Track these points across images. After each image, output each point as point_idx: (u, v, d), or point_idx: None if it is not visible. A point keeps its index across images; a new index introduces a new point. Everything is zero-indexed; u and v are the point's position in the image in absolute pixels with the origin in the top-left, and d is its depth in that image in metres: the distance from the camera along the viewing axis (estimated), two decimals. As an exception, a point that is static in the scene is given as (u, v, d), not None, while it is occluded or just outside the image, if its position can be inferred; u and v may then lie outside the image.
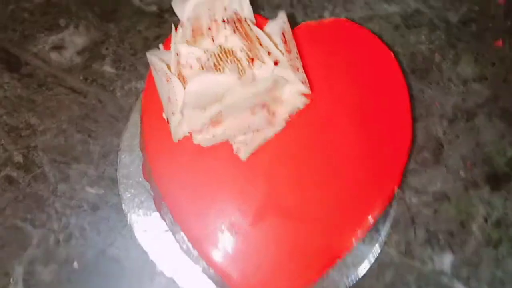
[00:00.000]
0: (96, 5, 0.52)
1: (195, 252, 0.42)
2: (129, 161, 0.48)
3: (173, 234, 0.44)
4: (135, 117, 0.50)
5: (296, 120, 0.41)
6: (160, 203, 0.46)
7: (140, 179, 0.48)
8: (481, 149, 0.52)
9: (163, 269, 0.46)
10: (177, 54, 0.38)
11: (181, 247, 0.44)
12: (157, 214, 0.47)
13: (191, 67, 0.39)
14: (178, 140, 0.40)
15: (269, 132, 0.39)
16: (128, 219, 0.47)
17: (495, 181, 0.51)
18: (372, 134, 0.42)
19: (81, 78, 0.50)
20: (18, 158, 0.48)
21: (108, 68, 0.50)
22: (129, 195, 0.48)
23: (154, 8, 0.53)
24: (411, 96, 0.48)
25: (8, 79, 0.49)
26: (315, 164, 0.41)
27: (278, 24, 0.38)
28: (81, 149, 0.48)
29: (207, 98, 0.37)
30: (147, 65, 0.48)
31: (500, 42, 0.56)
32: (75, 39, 0.51)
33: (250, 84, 0.35)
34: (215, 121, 0.39)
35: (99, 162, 0.48)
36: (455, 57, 0.54)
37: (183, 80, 0.37)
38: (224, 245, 0.39)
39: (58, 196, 0.47)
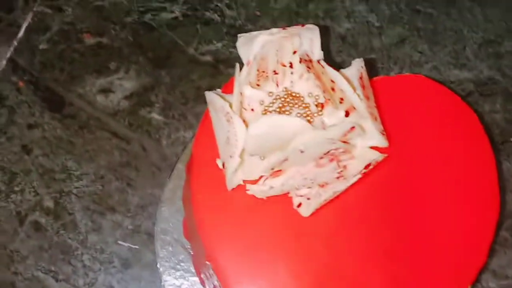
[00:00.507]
0: (149, 51, 0.50)
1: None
2: (169, 215, 0.44)
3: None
4: (179, 168, 0.46)
5: (368, 177, 0.36)
6: (201, 265, 0.41)
7: (180, 236, 0.43)
8: None
9: None
10: (241, 94, 0.34)
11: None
12: (196, 278, 0.42)
13: (253, 110, 0.35)
14: (231, 189, 0.35)
15: (338, 187, 0.34)
16: (163, 282, 0.42)
17: None
18: (455, 202, 0.36)
19: (126, 123, 0.47)
20: (49, 203, 0.44)
21: (155, 116, 0.47)
22: (165, 253, 0.43)
23: (209, 58, 0.50)
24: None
25: (48, 119, 0.46)
26: (386, 233, 0.36)
27: (355, 67, 0.35)
28: (117, 199, 0.44)
29: (270, 143, 0.32)
30: (198, 116, 0.45)
31: None
32: (124, 84, 0.48)
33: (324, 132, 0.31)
34: (275, 171, 0.35)
35: (136, 214, 0.44)
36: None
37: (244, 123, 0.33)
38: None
39: (87, 248, 0.43)
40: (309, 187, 0.35)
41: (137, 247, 0.43)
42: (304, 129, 0.32)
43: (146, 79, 0.49)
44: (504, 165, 0.48)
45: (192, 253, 0.43)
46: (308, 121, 0.34)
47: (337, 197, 0.36)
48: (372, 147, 0.35)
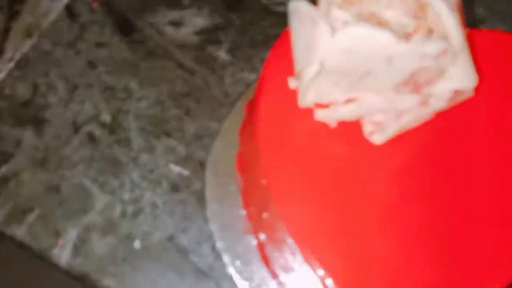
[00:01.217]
0: (223, -6, 0.50)
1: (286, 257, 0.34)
2: (224, 147, 0.43)
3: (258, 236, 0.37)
4: (240, 106, 0.45)
5: (444, 123, 0.34)
6: (252, 198, 0.39)
7: (232, 169, 0.42)
8: None
9: (234, 274, 0.38)
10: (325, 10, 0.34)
11: (266, 252, 0.37)
12: (243, 212, 0.41)
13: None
14: (303, 107, 0.34)
15: (417, 118, 0.32)
16: (208, 210, 0.40)
17: None
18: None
19: (192, 57, 0.47)
20: (106, 117, 0.43)
21: (222, 54, 0.47)
22: (215, 183, 0.42)
23: (282, 8, 0.50)
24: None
25: (117, 41, 0.47)
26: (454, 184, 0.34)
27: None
28: (174, 125, 0.44)
29: (354, 56, 0.31)
30: (263, 60, 0.44)
31: None
32: (196, 20, 0.49)
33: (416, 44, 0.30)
34: (349, 98, 0.34)
35: (191, 142, 0.43)
36: None
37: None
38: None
39: (137, 166, 0.42)
40: (385, 114, 0.33)
41: (187, 173, 0.42)
42: (395, 42, 0.31)
43: (217, 19, 0.50)
44: None
45: (243, 186, 0.42)
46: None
47: (412, 133, 0.34)
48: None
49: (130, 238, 0.41)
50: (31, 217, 0.40)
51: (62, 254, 0.40)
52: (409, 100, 0.33)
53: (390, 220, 0.33)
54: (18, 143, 0.43)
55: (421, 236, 0.33)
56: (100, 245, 0.40)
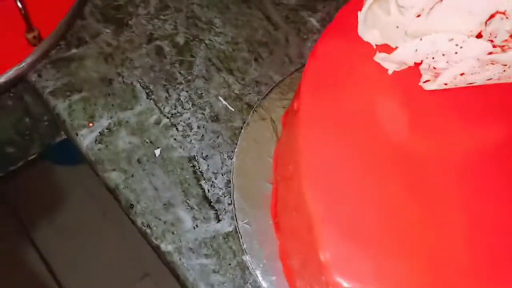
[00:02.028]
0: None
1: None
2: (278, 97, 0.42)
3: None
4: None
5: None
6: (284, 154, 0.37)
7: (277, 119, 0.40)
8: None
9: (238, 214, 0.35)
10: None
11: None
12: (270, 160, 0.38)
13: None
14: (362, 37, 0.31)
15: (479, 72, 0.28)
16: (238, 147, 0.39)
17: None
18: None
19: (283, 14, 0.47)
20: (180, 40, 0.45)
21: (313, 21, 0.47)
22: (254, 125, 0.40)
23: None
24: None
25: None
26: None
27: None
28: (240, 65, 0.44)
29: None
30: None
31: None
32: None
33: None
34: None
35: (248, 84, 0.43)
36: None
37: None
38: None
39: (189, 87, 0.43)
40: (447, 62, 0.29)
41: (232, 109, 0.41)
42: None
43: (316, -8, 0.49)
44: None
45: (280, 140, 0.39)
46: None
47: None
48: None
49: (153, 145, 0.40)
50: (76, 97, 0.42)
51: (87, 137, 0.40)
52: (479, 46, 0.28)
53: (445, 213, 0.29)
54: (96, 35, 0.45)
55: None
56: (124, 141, 0.40)
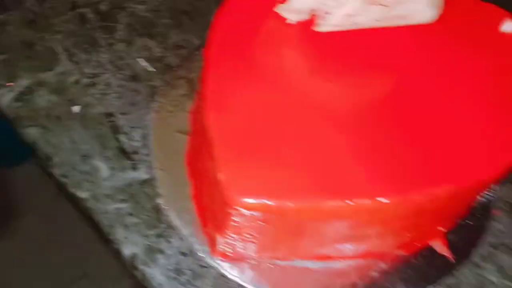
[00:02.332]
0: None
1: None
2: (196, 60, 0.43)
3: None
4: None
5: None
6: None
7: (195, 80, 0.42)
8: None
9: (154, 162, 0.37)
10: None
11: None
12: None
13: None
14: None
15: (361, 14, 0.31)
16: (155, 104, 0.40)
17: None
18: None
19: (205, -13, 0.48)
20: (103, 7, 0.46)
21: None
22: (170, 87, 0.41)
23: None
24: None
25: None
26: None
27: None
28: (161, 31, 0.47)
29: None
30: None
31: None
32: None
33: None
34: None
35: (169, 48, 0.45)
36: None
37: None
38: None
39: (111, 51, 0.45)
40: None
41: (153, 70, 0.43)
42: None
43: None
44: None
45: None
46: None
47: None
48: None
49: (72, 103, 0.41)
50: (-3, 58, 0.43)
51: (7, 96, 0.41)
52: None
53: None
54: (20, 2, 0.46)
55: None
56: (43, 99, 0.41)
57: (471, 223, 0.39)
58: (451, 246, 0.38)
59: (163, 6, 0.48)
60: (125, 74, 0.44)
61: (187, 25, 0.47)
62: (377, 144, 0.31)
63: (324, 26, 0.33)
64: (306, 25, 0.35)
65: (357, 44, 0.34)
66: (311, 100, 0.32)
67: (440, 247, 0.38)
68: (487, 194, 0.40)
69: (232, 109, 0.31)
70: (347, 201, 0.28)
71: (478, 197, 0.40)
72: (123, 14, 0.47)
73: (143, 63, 0.45)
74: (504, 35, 0.35)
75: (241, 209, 0.28)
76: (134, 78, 0.44)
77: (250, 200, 0.28)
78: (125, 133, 0.41)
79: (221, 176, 0.29)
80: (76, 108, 0.41)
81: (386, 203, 0.28)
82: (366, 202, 0.29)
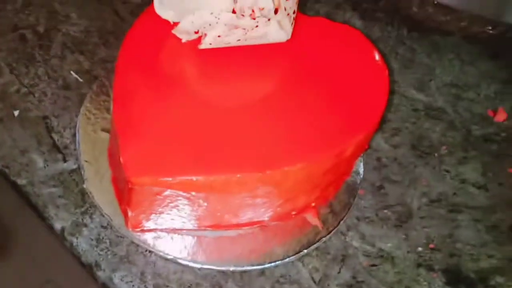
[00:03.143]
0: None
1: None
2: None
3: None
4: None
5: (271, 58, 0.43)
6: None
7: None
8: (452, 241, 0.47)
9: (81, 154, 0.46)
10: None
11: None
12: (108, 115, 0.49)
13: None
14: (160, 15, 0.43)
15: (230, 32, 0.41)
16: (82, 109, 0.49)
17: (454, 279, 0.45)
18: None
19: (128, 10, 0.59)
20: (41, 29, 0.55)
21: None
22: (96, 94, 0.50)
23: None
24: (401, 164, 0.52)
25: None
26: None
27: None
28: (90, 48, 0.55)
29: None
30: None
31: (515, 171, 0.54)
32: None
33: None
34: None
35: (96, 62, 0.53)
36: (462, 159, 0.54)
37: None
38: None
39: (46, 65, 0.53)
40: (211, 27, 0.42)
41: (82, 81, 0.52)
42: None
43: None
44: (418, 169, 0.52)
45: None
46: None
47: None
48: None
49: (12, 107, 0.49)
50: None
51: (-44, 102, 0.49)
52: (229, 16, 0.41)
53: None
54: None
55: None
56: (-13, 105, 0.49)
57: (341, 200, 0.50)
58: (323, 218, 0.48)
59: (93, 27, 0.57)
60: (59, 84, 0.52)
61: (112, 43, 0.57)
62: (249, 131, 0.41)
63: (204, 44, 0.43)
64: (195, 43, 0.45)
65: (231, 57, 0.44)
66: (200, 97, 0.42)
67: (312, 218, 0.48)
68: (354, 177, 0.51)
69: (135, 106, 0.40)
70: (218, 175, 0.38)
71: (347, 179, 0.50)
72: (58, 34, 0.56)
73: (74, 74, 0.53)
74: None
75: (136, 186, 0.38)
76: (66, 87, 0.52)
77: (143, 178, 0.38)
78: (58, 132, 0.49)
79: (121, 159, 0.38)
80: (16, 112, 0.50)
81: (248, 177, 0.38)
82: (233, 176, 0.38)
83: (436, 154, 0.54)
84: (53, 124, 0.49)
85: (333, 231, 0.47)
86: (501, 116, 0.59)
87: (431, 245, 0.48)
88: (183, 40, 0.45)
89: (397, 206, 0.50)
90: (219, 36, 0.42)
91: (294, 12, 0.44)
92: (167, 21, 0.45)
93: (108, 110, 0.50)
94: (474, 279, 0.46)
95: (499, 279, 0.47)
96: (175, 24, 0.45)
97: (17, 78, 0.52)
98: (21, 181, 0.46)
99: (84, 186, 0.45)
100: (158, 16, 0.45)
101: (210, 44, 0.43)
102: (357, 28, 0.49)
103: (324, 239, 0.47)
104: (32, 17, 0.57)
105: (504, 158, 0.55)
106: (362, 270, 0.46)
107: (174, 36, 0.45)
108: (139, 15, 0.46)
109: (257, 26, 0.42)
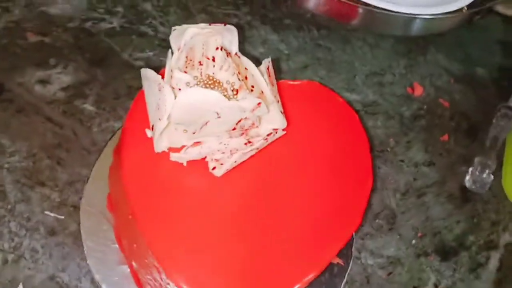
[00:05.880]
0: (87, 52, 0.56)
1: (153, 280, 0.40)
2: (95, 190, 0.48)
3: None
4: (107, 152, 0.50)
5: (267, 155, 0.43)
6: (122, 231, 0.45)
7: (104, 209, 0.47)
8: (430, 223, 0.55)
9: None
10: (171, 77, 0.41)
11: (139, 277, 0.42)
12: (116, 246, 0.46)
13: (180, 89, 0.42)
14: (158, 155, 0.41)
15: (245, 154, 0.41)
16: (85, 247, 0.45)
17: (444, 253, 0.53)
18: (336, 179, 0.45)
19: (60, 111, 0.51)
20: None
21: (89, 107, 0.52)
22: (89, 223, 0.47)
23: (141, 63, 0.57)
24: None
25: (-13, 101, 0.49)
26: (278, 201, 0.43)
27: (264, 63, 0.42)
28: (47, 175, 0.48)
29: (193, 112, 0.39)
30: (127, 110, 0.50)
31: (446, 137, 0.62)
32: (62, 77, 0.53)
33: (237, 101, 0.38)
34: (195, 141, 0.41)
35: (64, 189, 0.48)
36: (407, 144, 0.60)
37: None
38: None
39: (14, 216, 0.46)
40: (222, 153, 0.41)
41: (62, 217, 0.47)
42: (222, 100, 0.39)
43: (82, 75, 0.54)
44: (382, 169, 0.57)
45: (114, 223, 0.47)
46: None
47: (243, 165, 0.42)
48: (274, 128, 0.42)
49: (13, 282, 0.44)
50: None
51: None
52: (238, 141, 0.40)
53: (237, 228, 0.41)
54: None
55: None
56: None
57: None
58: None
59: (35, 148, 0.50)
60: (41, 232, 0.47)
61: (66, 159, 0.51)
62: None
63: (220, 171, 0.42)
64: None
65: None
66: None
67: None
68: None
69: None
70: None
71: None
72: (3, 173, 0.49)
73: (50, 214, 0.48)
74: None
75: None
76: (52, 232, 0.47)
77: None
78: (75, 287, 0.45)
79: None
80: (20, 286, 0.44)
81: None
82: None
83: (388, 149, 0.61)
84: (64, 280, 0.45)
85: (351, 260, 0.53)
86: (418, 91, 0.67)
87: (419, 234, 0.56)
88: (184, 164, 0.43)
89: (383, 212, 0.56)
90: (235, 161, 0.41)
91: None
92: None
93: (113, 242, 0.47)
94: (455, 247, 0.56)
95: (471, 238, 0.57)
96: (170, 149, 0.42)
97: (-6, 246, 0.45)
98: None
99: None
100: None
101: (227, 169, 0.42)
102: (274, 43, 0.50)
103: (348, 270, 0.52)
104: (-40, 163, 0.48)
105: (432, 129, 0.63)
106: (384, 282, 0.52)
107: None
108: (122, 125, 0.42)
109: (266, 139, 0.41)
